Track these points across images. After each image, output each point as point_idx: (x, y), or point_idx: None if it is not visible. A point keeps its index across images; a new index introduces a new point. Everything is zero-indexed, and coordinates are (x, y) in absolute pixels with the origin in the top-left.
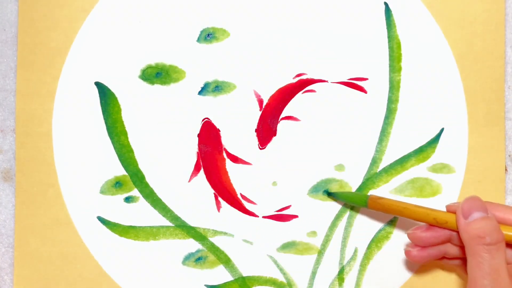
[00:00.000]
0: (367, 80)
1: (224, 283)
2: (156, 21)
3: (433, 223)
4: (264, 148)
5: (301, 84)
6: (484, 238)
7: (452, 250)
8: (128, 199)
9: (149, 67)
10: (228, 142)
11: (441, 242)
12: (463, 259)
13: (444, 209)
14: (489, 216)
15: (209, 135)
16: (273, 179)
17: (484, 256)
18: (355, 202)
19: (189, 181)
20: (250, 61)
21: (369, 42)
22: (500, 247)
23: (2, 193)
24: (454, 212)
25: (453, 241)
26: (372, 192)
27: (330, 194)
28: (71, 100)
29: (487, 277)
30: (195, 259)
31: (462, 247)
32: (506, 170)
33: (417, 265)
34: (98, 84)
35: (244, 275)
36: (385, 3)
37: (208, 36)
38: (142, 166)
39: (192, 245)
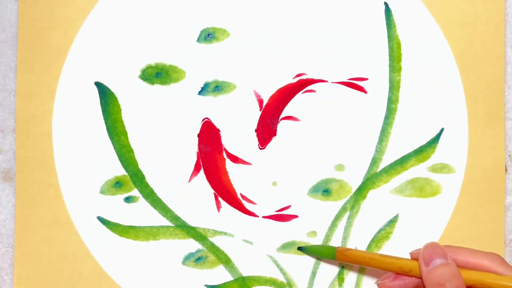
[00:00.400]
0: (367, 80)
1: (224, 283)
2: (156, 21)
3: (399, 272)
4: (264, 148)
5: (301, 84)
6: (444, 286)
7: None
8: (128, 199)
9: (149, 67)
10: (228, 142)
11: None
12: None
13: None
14: (448, 262)
15: (209, 135)
16: (273, 179)
17: None
18: (324, 255)
19: (189, 181)
20: (250, 61)
21: (369, 42)
22: None
23: (2, 193)
24: (416, 259)
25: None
26: (372, 192)
27: (299, 249)
28: (71, 100)
29: None
30: (195, 259)
31: None
32: (506, 170)
33: None
34: (98, 84)
35: (244, 275)
36: (385, 3)
37: (208, 36)
38: (142, 166)
39: (192, 245)
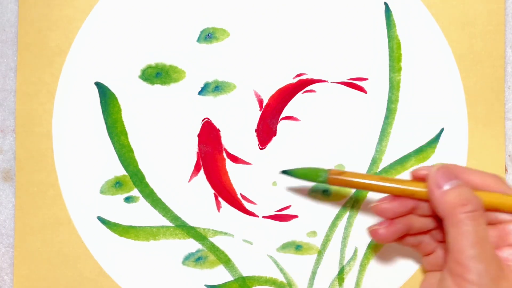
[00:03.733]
0: (367, 80)
1: (224, 283)
2: (156, 21)
3: (400, 195)
4: (264, 148)
5: (301, 84)
6: (466, 206)
7: (417, 223)
8: (128, 199)
9: (149, 67)
10: (228, 142)
11: (407, 212)
12: (428, 233)
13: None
14: (462, 184)
15: (209, 135)
16: (273, 179)
17: (469, 224)
18: (312, 179)
19: (189, 181)
20: (250, 61)
21: (369, 42)
22: (482, 213)
23: (2, 193)
24: (420, 181)
25: (418, 211)
26: (372, 192)
27: (284, 172)
28: (71, 100)
29: (474, 246)
30: (195, 259)
31: (429, 217)
32: (506, 170)
33: (416, 266)
34: (98, 84)
35: (244, 275)
36: (385, 3)
37: (208, 36)
38: (142, 166)
39: (192, 245)
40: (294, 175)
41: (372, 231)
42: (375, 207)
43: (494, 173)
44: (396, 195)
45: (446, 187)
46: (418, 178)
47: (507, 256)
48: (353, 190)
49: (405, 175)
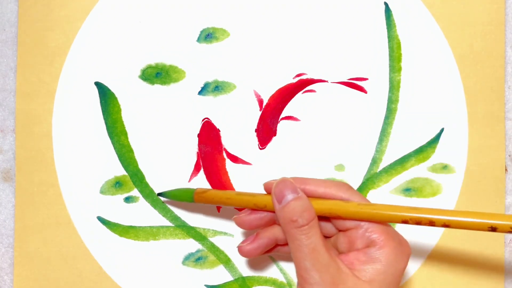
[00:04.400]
0: (367, 80)
1: (224, 283)
2: (156, 21)
3: (255, 208)
4: (264, 148)
5: (301, 84)
6: (297, 221)
7: (281, 234)
8: (128, 199)
9: (149, 67)
10: (228, 142)
11: (268, 223)
12: None
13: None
14: (299, 196)
15: (209, 135)
16: (273, 179)
17: (300, 238)
18: (183, 199)
19: (189, 181)
20: (250, 61)
21: (369, 42)
22: (312, 225)
23: (2, 193)
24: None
25: (278, 222)
26: (372, 192)
27: (160, 194)
28: (71, 100)
29: (307, 258)
30: (195, 259)
31: None
32: (506, 170)
33: (416, 266)
34: (98, 84)
35: (244, 275)
36: (385, 3)
37: (208, 36)
38: (142, 166)
39: (192, 245)
40: (168, 196)
41: (238, 247)
42: (235, 219)
43: (340, 181)
44: (252, 208)
45: (285, 201)
46: (269, 191)
47: (353, 260)
48: None
49: (405, 175)
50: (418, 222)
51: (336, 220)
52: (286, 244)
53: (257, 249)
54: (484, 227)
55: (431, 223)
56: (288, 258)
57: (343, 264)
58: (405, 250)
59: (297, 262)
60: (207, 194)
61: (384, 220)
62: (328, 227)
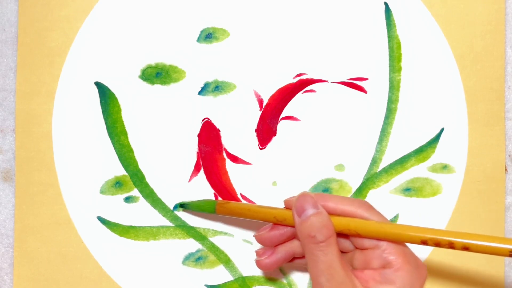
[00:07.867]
0: (367, 80)
1: (224, 283)
2: (156, 21)
3: (274, 222)
4: (264, 148)
5: (301, 84)
6: (315, 237)
7: (299, 248)
8: (128, 199)
9: (149, 67)
10: (228, 142)
11: (287, 239)
12: None
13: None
14: (319, 212)
15: (209, 135)
16: (273, 179)
17: (317, 254)
18: (205, 210)
19: (189, 181)
20: (250, 61)
21: (369, 42)
22: (330, 242)
23: (2, 193)
24: (291, 208)
25: (298, 236)
26: (372, 192)
27: (182, 206)
28: (71, 100)
29: (323, 274)
30: (195, 259)
31: None
32: (506, 170)
33: None
34: (98, 84)
35: (244, 275)
36: (385, 3)
37: (208, 36)
38: (142, 166)
39: (192, 245)
40: (190, 208)
41: (257, 261)
42: (256, 237)
43: (361, 199)
44: (272, 221)
45: (304, 215)
46: (289, 207)
47: (367, 278)
48: (353, 190)
49: (405, 175)
50: (437, 243)
51: (354, 238)
52: (303, 256)
53: (275, 263)
54: (505, 252)
55: (451, 245)
56: (304, 269)
57: (358, 282)
58: (422, 274)
59: (313, 276)
60: (229, 206)
61: (403, 240)
62: (346, 243)
